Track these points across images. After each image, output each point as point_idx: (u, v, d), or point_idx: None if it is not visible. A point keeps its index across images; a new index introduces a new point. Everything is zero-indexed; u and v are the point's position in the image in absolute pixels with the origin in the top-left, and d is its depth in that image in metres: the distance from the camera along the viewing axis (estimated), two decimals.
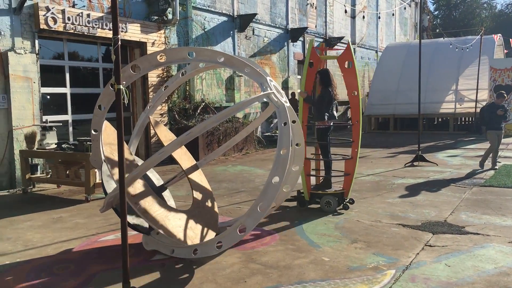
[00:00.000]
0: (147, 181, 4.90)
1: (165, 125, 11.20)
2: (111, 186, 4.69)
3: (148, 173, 5.15)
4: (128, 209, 3.66)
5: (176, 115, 11.74)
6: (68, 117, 9.81)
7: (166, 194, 5.45)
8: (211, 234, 4.57)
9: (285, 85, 16.47)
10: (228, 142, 5.89)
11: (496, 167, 9.39)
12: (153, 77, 11.17)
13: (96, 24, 9.59)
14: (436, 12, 46.86)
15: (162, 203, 4.53)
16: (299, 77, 16.84)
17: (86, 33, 9.43)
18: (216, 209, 5.33)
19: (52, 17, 8.75)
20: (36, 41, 8.74)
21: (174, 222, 4.35)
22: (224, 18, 13.68)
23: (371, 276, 4.00)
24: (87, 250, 4.87)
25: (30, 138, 7.97)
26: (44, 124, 8.18)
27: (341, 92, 7.35)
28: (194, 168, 5.49)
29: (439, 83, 18.01)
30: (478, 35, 17.93)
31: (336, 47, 17.87)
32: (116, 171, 4.08)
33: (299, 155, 5.19)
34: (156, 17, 11.21)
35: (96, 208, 6.58)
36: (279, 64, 16.40)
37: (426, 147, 12.86)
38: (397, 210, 6.26)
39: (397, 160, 11.02)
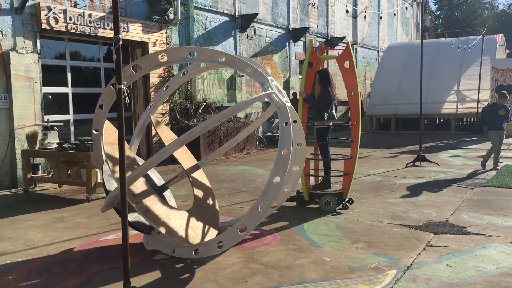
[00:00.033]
0: (148, 180, 4.90)
1: (167, 125, 11.21)
2: (112, 185, 4.69)
3: (149, 172, 5.15)
4: (128, 208, 3.66)
5: (178, 115, 11.75)
6: (70, 116, 9.82)
7: (167, 193, 5.45)
8: (212, 234, 4.57)
9: (286, 85, 16.47)
10: (229, 142, 5.89)
11: (498, 167, 9.38)
12: (154, 77, 11.17)
13: (97, 24, 9.59)
14: (438, 12, 46.82)
15: (163, 202, 4.53)
16: (300, 77, 16.81)
17: (87, 33, 9.44)
18: (217, 209, 5.33)
19: (54, 17, 8.76)
20: (38, 41, 8.75)
21: (175, 222, 4.35)
22: (226, 18, 13.68)
23: (372, 276, 4.00)
24: (88, 250, 4.87)
25: (31, 138, 7.98)
26: (46, 123, 8.19)
27: (342, 92, 7.34)
28: (195, 168, 5.48)
29: (441, 83, 17.98)
30: (480, 35, 17.90)
31: (337, 47, 17.86)
32: (117, 170, 4.08)
33: (300, 155, 5.18)
34: (157, 17, 11.21)
35: (97, 208, 6.58)
36: (281, 64, 16.39)
37: (427, 147, 12.83)
38: (399, 210, 6.26)
39: (398, 160, 11.01)
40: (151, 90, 11.08)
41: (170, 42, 11.65)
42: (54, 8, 8.75)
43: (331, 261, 4.37)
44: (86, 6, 9.59)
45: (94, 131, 4.75)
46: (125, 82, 4.19)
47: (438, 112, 18.31)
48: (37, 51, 8.73)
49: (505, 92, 9.88)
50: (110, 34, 9.62)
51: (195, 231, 4.46)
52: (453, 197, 6.98)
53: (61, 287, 3.92)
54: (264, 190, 4.23)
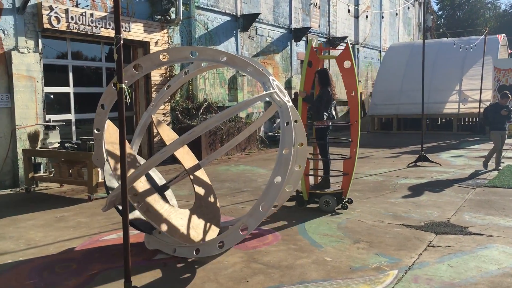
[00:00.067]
0: (150, 180, 4.90)
1: (168, 124, 11.21)
2: (113, 185, 4.69)
3: (150, 172, 5.15)
4: (130, 208, 3.66)
5: (179, 115, 11.75)
6: (71, 116, 9.83)
7: (169, 193, 5.45)
8: (213, 234, 4.57)
9: (288, 85, 16.45)
10: (231, 141, 5.88)
11: (500, 167, 9.35)
12: (156, 76, 11.18)
13: (99, 24, 9.60)
14: (440, 12, 46.71)
15: (164, 202, 4.53)
16: None
17: (89, 33, 9.45)
18: (218, 208, 5.32)
19: (56, 17, 8.77)
20: (40, 41, 8.76)
21: (176, 221, 4.35)
22: (227, 18, 13.67)
23: (374, 276, 3.99)
24: (89, 249, 4.87)
25: (33, 137, 7.99)
26: (47, 123, 8.20)
27: (344, 92, 7.33)
28: (196, 168, 5.48)
29: (443, 83, 17.96)
30: (482, 35, 17.86)
31: (339, 47, 17.84)
32: (118, 170, 4.08)
33: (302, 155, 5.17)
34: (159, 17, 11.21)
35: (98, 207, 6.58)
36: (282, 64, 16.38)
37: (429, 147, 12.82)
38: (400, 210, 6.24)
39: (400, 160, 10.99)
40: (153, 89, 11.08)
41: (171, 42, 11.65)
42: (56, 7, 8.76)
43: (332, 261, 4.36)
44: (88, 5, 9.59)
45: (95, 131, 4.75)
46: (126, 81, 4.19)
47: (440, 112, 18.29)
48: (39, 51, 8.74)
49: (507, 92, 9.85)
50: (112, 33, 9.62)
51: (196, 231, 4.46)
52: (455, 197, 6.97)
53: (62, 286, 3.92)
54: (265, 190, 4.22)
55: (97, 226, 5.73)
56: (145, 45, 10.94)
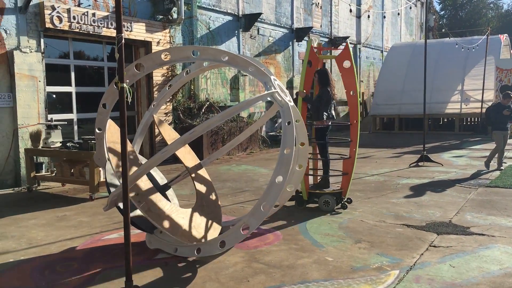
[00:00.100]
0: (151, 179, 4.90)
1: (170, 124, 11.22)
2: (115, 184, 4.69)
3: (152, 171, 5.15)
4: (131, 207, 3.67)
5: (181, 114, 11.76)
6: (73, 115, 9.85)
7: (170, 193, 5.45)
8: (214, 233, 4.57)
9: (289, 85, 16.45)
10: (232, 141, 5.88)
11: (502, 167, 9.33)
12: (157, 76, 11.19)
13: (101, 23, 9.61)
14: (442, 12, 46.63)
15: (166, 201, 4.53)
16: None
17: (91, 32, 9.46)
18: (219, 208, 5.32)
19: (58, 16, 8.79)
20: (42, 40, 8.77)
21: (178, 221, 4.35)
22: (229, 18, 13.67)
23: (375, 276, 3.98)
24: (91, 249, 4.88)
25: (35, 137, 8.01)
26: (49, 122, 8.21)
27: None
28: (198, 167, 5.48)
29: (445, 83, 17.93)
30: (484, 35, 17.82)
31: (341, 47, 17.83)
32: (119, 169, 4.08)
33: (303, 155, 5.17)
34: (161, 17, 11.22)
35: (100, 207, 6.59)
36: (284, 63, 16.38)
37: (431, 147, 12.80)
38: (402, 210, 6.24)
39: (402, 160, 10.98)
40: (154, 89, 11.09)
41: (173, 41, 11.65)
42: (58, 7, 8.77)
43: (333, 261, 4.36)
44: (90, 5, 9.61)
45: (97, 130, 4.75)
46: (128, 81, 4.19)
47: (442, 112, 18.26)
48: (41, 50, 8.75)
49: (509, 92, 9.82)
50: (114, 33, 9.62)
51: (198, 230, 4.47)
52: (457, 197, 6.95)
53: (64, 285, 3.92)
54: (267, 190, 4.22)
55: (98, 226, 5.74)
56: (147, 44, 10.95)
